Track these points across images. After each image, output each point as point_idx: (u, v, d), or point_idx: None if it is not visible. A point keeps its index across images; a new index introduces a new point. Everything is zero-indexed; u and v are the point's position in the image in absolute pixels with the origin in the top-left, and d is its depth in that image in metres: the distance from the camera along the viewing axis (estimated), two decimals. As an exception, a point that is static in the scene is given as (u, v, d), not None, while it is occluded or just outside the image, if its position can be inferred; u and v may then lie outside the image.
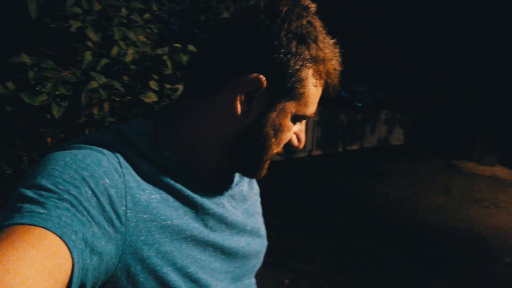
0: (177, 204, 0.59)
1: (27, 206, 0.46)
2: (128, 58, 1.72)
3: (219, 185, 0.68)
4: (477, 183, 8.32)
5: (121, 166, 0.56)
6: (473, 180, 8.55)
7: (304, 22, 0.59)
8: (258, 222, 0.76)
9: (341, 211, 5.82)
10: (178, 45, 1.77)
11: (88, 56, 1.67)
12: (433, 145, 10.91)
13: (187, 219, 0.59)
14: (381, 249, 4.52)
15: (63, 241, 0.44)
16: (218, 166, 0.66)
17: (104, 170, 0.53)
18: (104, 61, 1.67)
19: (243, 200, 0.73)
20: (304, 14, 0.60)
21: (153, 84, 1.75)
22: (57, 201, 0.47)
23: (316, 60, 0.60)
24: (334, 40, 0.63)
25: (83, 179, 0.50)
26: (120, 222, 0.52)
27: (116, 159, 0.56)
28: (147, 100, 1.72)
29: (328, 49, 0.62)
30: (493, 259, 4.51)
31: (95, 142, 0.58)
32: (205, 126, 0.62)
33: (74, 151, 0.54)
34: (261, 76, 0.58)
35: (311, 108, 0.64)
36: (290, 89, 0.60)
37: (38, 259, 0.42)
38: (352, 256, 4.25)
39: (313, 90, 0.62)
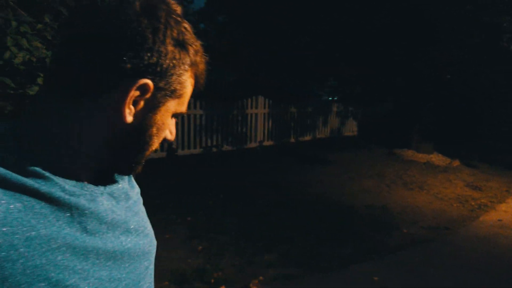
0: (45, 210, 0.53)
1: None
2: (18, 60, 2.24)
3: (97, 184, 0.64)
4: (412, 169, 9.08)
5: None
6: (409, 166, 9.32)
7: (183, 29, 0.62)
8: (143, 221, 0.73)
9: (270, 193, 6.43)
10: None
11: (7, 54, 2.19)
12: (379, 135, 11.69)
13: (60, 225, 0.54)
14: (289, 223, 5.15)
15: None
16: (95, 166, 0.63)
17: None
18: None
19: (125, 199, 0.70)
20: (179, 19, 0.62)
21: (40, 80, 2.27)
22: None
23: (193, 64, 0.64)
24: (201, 43, 0.66)
25: None
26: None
27: None
28: (32, 93, 2.25)
29: (199, 52, 0.65)
30: (393, 230, 5.20)
31: None
32: (85, 127, 0.59)
33: None
34: (149, 82, 0.58)
35: (186, 105, 0.68)
36: (173, 91, 0.62)
37: None
38: (261, 229, 4.86)
39: (190, 90, 0.66)
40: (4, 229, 0.49)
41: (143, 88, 0.59)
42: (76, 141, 0.59)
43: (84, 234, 0.57)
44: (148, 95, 0.60)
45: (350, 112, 12.70)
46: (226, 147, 8.86)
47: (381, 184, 7.64)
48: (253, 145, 9.52)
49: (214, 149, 8.53)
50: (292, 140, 10.66)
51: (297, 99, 11.00)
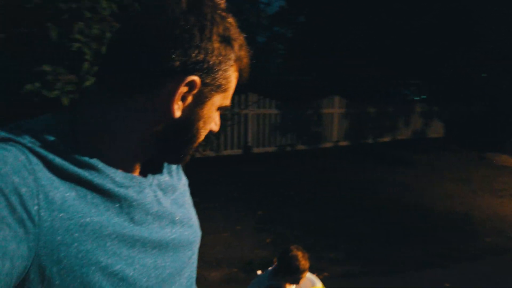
0: (97, 200, 0.56)
1: None
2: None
3: (145, 176, 0.67)
4: (504, 175, 8.28)
5: (30, 163, 0.53)
6: (501, 172, 8.51)
7: (227, 24, 0.63)
8: (188, 212, 0.75)
9: (343, 192, 6.38)
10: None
11: (86, 65, 2.61)
12: (470, 138, 10.81)
13: (110, 215, 0.57)
14: (360, 223, 5.08)
15: None
16: (144, 158, 0.66)
17: (12, 167, 0.50)
18: (96, 68, 2.62)
19: (172, 190, 0.71)
20: (224, 14, 0.63)
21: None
22: None
23: (238, 59, 0.65)
24: (244, 36, 0.67)
25: None
26: (33, 222, 0.50)
27: (24, 155, 0.53)
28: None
29: (243, 46, 0.66)
30: (473, 237, 4.85)
31: None
32: (135, 122, 0.61)
33: None
34: (197, 79, 0.60)
35: (230, 98, 0.69)
36: (219, 86, 0.64)
37: None
38: (330, 226, 4.88)
39: (234, 84, 0.67)
40: (61, 215, 0.52)
41: (191, 85, 0.60)
42: (127, 134, 0.62)
43: (132, 224, 0.60)
44: (195, 91, 0.61)
45: (435, 112, 11.92)
46: (300, 146, 8.96)
47: (466, 189, 7.11)
48: (328, 144, 9.48)
49: (288, 148, 8.68)
50: (370, 140, 10.37)
51: (377, 99, 10.66)
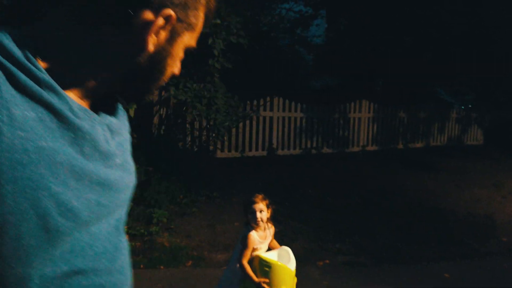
0: (54, 125, 0.55)
1: None
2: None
3: (99, 112, 0.66)
4: (543, 182, 7.87)
5: None
6: (539, 179, 8.08)
7: None
8: (129, 158, 0.75)
9: (365, 193, 6.41)
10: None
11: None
12: (510, 144, 10.34)
13: (64, 143, 0.56)
14: (377, 222, 5.11)
15: None
16: (103, 93, 0.65)
17: None
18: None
19: (118, 134, 0.70)
20: None
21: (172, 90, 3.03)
22: None
23: (207, 1, 0.68)
24: None
25: None
26: None
27: None
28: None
29: None
30: (490, 237, 4.74)
31: None
32: (103, 52, 0.60)
33: None
34: (173, 13, 0.60)
35: (196, 39, 0.70)
36: (189, 24, 0.65)
37: None
38: (344, 223, 4.97)
39: (201, 25, 0.69)
40: (22, 133, 0.51)
41: (167, 19, 0.60)
42: (93, 64, 0.61)
43: (82, 157, 0.59)
44: (170, 26, 0.62)
45: (474, 119, 11.50)
46: (326, 150, 9.04)
47: (495, 195, 6.87)
48: (355, 149, 9.48)
49: (313, 151, 8.80)
50: (400, 146, 10.21)
51: (408, 103, 10.50)
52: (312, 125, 8.84)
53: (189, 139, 5.92)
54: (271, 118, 8.23)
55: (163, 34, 0.63)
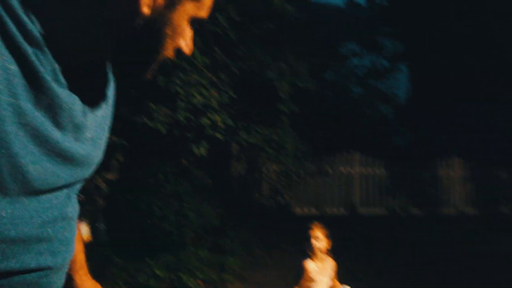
0: (31, 85, 0.53)
1: None
2: (196, 101, 3.32)
3: (87, 82, 0.63)
4: None
5: None
6: None
7: None
8: (104, 134, 0.71)
9: (471, 269, 5.68)
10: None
11: (180, 104, 3.36)
12: None
13: (36, 106, 0.54)
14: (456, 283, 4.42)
15: None
16: (98, 58, 0.63)
17: None
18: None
19: (99, 107, 0.67)
20: None
21: (210, 115, 3.28)
22: None
23: None
24: None
25: None
26: None
27: None
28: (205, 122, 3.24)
29: None
30: None
31: None
32: (97, 13, 0.57)
33: None
34: None
35: (206, 11, 0.65)
36: None
37: None
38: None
39: None
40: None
41: None
42: (87, 24, 0.57)
43: (52, 125, 0.56)
44: None
45: None
46: (413, 210, 8.37)
47: None
48: (448, 210, 8.61)
49: (399, 211, 8.20)
50: (504, 210, 9.02)
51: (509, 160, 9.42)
52: (397, 183, 8.35)
53: (264, 186, 6.01)
54: (350, 174, 8.00)
55: None
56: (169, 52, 0.64)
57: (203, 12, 0.64)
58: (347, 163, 8.00)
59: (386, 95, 9.47)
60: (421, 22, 9.85)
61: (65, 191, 0.64)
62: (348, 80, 8.55)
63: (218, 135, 3.26)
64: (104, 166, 5.95)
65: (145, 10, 0.57)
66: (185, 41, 0.66)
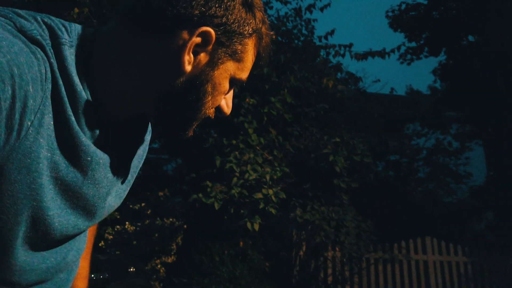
0: (69, 143, 0.55)
1: None
2: (251, 177, 3.34)
3: (127, 137, 0.67)
4: None
5: (46, 80, 0.52)
6: None
7: None
8: (128, 185, 0.73)
9: None
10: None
11: (234, 179, 3.40)
12: None
13: (70, 163, 0.56)
14: None
15: None
16: (141, 111, 0.64)
17: (32, 76, 0.49)
18: (241, 181, 3.36)
19: (134, 160, 0.70)
20: None
21: (264, 190, 3.26)
22: None
23: (257, 31, 0.64)
24: (267, 16, 0.67)
25: (12, 76, 0.46)
26: (18, 136, 0.49)
27: (44, 70, 0.52)
28: (257, 197, 3.23)
29: (265, 23, 0.66)
30: None
31: (28, 33, 0.53)
32: (143, 67, 0.59)
33: (11, 38, 0.49)
34: (212, 31, 0.58)
35: (246, 73, 0.66)
36: (234, 52, 0.62)
37: None
38: None
39: (251, 59, 0.65)
40: (42, 141, 0.52)
41: (205, 37, 0.59)
42: (132, 78, 0.59)
43: (83, 179, 0.58)
44: (209, 47, 0.59)
45: None
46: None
47: None
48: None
49: (490, 307, 7.04)
50: None
51: None
52: (481, 273, 7.31)
53: (326, 271, 5.58)
54: (425, 262, 7.19)
55: (202, 55, 0.60)
56: (209, 111, 0.65)
57: (244, 74, 0.66)
58: (420, 249, 7.29)
59: (458, 174, 8.81)
60: (490, 104, 9.48)
61: (75, 237, 0.67)
62: (414, 160, 8.17)
63: (272, 210, 3.18)
64: (163, 250, 6.01)
65: (187, 67, 0.59)
66: (225, 100, 0.67)
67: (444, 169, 8.33)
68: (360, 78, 5.20)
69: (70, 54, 0.56)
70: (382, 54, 4.62)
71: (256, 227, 3.02)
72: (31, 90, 0.48)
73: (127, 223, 4.66)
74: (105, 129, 0.61)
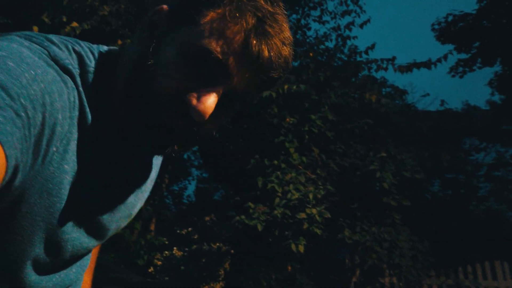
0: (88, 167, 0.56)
1: None
2: (294, 197, 3.27)
3: (141, 159, 0.66)
4: None
5: (74, 108, 0.52)
6: None
7: None
8: (137, 207, 0.71)
9: None
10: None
11: (277, 199, 3.33)
12: None
13: (88, 186, 0.56)
14: None
15: (7, 161, 0.41)
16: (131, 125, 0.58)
17: (62, 105, 0.50)
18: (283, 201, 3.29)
19: (147, 183, 0.69)
20: None
21: (303, 215, 3.17)
22: (14, 115, 0.42)
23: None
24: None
25: (43, 104, 0.46)
26: (43, 162, 0.49)
27: (73, 98, 0.52)
28: (300, 217, 3.13)
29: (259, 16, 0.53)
30: None
31: (60, 63, 0.53)
32: (120, 69, 0.58)
33: (45, 66, 0.49)
34: (164, 6, 0.56)
35: (213, 42, 0.51)
36: (189, 16, 0.53)
37: None
38: None
39: (218, 24, 0.52)
40: (67, 167, 0.53)
41: (159, 11, 0.57)
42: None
43: (101, 202, 0.61)
44: (160, 16, 0.56)
45: None
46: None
47: None
48: None
49: None
50: None
51: None
52: None
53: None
54: (496, 288, 6.51)
55: (156, 30, 0.56)
56: (163, 91, 0.56)
57: (208, 43, 0.53)
58: (489, 274, 6.64)
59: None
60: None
61: (83, 256, 0.68)
62: (473, 176, 7.58)
63: (317, 230, 3.04)
64: (211, 275, 5.98)
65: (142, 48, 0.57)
66: (199, 94, 0.54)
67: (508, 185, 7.63)
68: (406, 91, 4.98)
69: (94, 83, 0.57)
70: (428, 64, 4.40)
71: (301, 248, 2.90)
72: (60, 117, 0.49)
73: (175, 248, 4.70)
74: (120, 152, 0.61)
